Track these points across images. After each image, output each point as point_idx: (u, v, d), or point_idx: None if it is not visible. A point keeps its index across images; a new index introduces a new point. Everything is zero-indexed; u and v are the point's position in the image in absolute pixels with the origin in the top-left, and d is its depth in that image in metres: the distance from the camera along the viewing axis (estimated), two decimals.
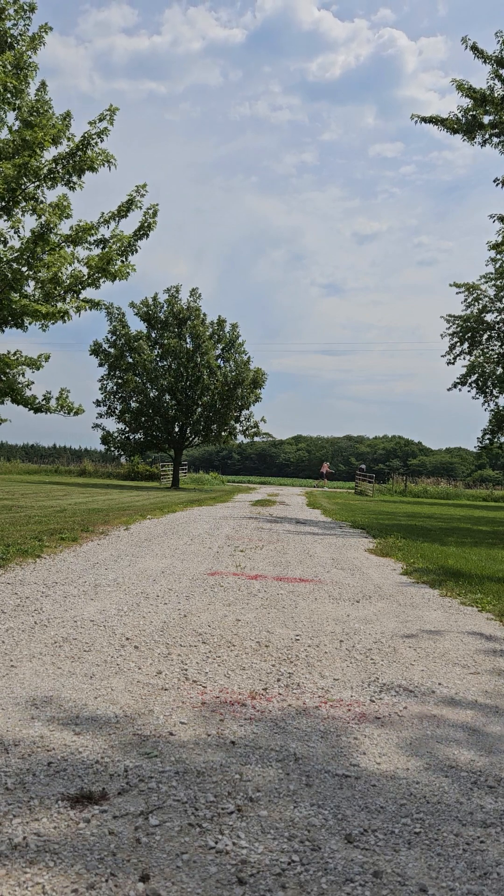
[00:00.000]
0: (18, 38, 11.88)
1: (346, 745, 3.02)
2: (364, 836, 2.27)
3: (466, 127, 15.17)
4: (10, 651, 4.11)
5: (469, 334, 25.94)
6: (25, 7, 11.89)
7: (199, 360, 32.16)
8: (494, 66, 14.66)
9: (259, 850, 2.15)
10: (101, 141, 12.04)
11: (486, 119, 15.10)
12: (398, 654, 4.57)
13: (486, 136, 15.26)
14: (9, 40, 11.70)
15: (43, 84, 12.46)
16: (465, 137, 15.37)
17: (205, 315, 33.38)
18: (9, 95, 11.48)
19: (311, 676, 3.97)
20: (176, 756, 2.79)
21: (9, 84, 11.12)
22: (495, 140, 15.33)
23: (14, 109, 11.97)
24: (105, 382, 33.27)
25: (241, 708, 3.39)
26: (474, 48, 14.71)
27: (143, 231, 13.09)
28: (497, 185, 16.00)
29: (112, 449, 34.16)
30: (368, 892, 1.97)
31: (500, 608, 6.24)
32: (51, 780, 2.51)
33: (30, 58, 11.80)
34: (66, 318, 12.96)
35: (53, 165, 11.89)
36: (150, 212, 13.11)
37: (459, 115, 15.18)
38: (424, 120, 15.33)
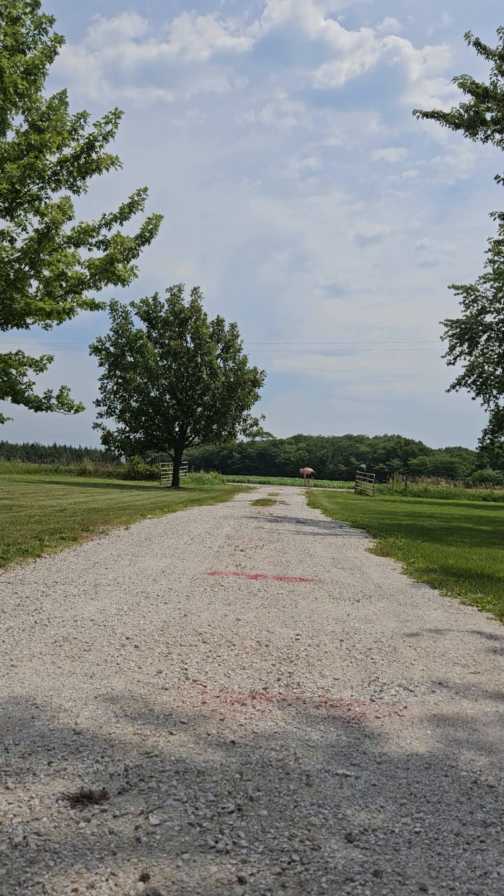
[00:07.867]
0: (31, 44, 11.99)
1: (345, 745, 3.02)
2: (364, 836, 2.27)
3: (468, 122, 15.18)
4: (10, 650, 4.11)
5: (468, 336, 25.90)
6: (43, 20, 11.98)
7: (200, 359, 32.13)
8: (497, 61, 14.66)
9: (259, 849, 2.15)
10: (108, 142, 12.04)
11: (489, 116, 15.11)
12: (398, 653, 4.56)
13: (489, 133, 15.27)
14: (21, 47, 11.76)
15: (62, 93, 12.62)
16: (466, 133, 15.38)
17: (205, 315, 33.38)
18: (17, 98, 11.54)
19: (311, 676, 3.97)
20: (176, 755, 2.79)
21: (19, 86, 11.18)
22: (497, 136, 15.34)
23: (24, 112, 12.07)
24: (105, 382, 33.26)
25: (241, 707, 3.39)
26: (477, 44, 14.71)
27: (146, 238, 13.20)
28: (498, 182, 16.01)
29: (112, 448, 34.14)
30: (368, 892, 1.97)
31: (500, 608, 6.24)
32: (51, 780, 2.51)
33: (44, 66, 11.91)
34: (70, 316, 13.05)
35: (58, 168, 11.90)
36: (154, 221, 13.23)
37: (462, 111, 15.20)
38: (426, 115, 15.32)
